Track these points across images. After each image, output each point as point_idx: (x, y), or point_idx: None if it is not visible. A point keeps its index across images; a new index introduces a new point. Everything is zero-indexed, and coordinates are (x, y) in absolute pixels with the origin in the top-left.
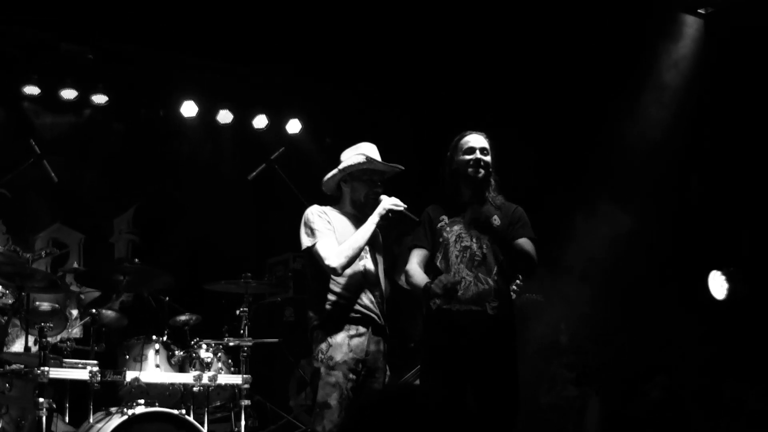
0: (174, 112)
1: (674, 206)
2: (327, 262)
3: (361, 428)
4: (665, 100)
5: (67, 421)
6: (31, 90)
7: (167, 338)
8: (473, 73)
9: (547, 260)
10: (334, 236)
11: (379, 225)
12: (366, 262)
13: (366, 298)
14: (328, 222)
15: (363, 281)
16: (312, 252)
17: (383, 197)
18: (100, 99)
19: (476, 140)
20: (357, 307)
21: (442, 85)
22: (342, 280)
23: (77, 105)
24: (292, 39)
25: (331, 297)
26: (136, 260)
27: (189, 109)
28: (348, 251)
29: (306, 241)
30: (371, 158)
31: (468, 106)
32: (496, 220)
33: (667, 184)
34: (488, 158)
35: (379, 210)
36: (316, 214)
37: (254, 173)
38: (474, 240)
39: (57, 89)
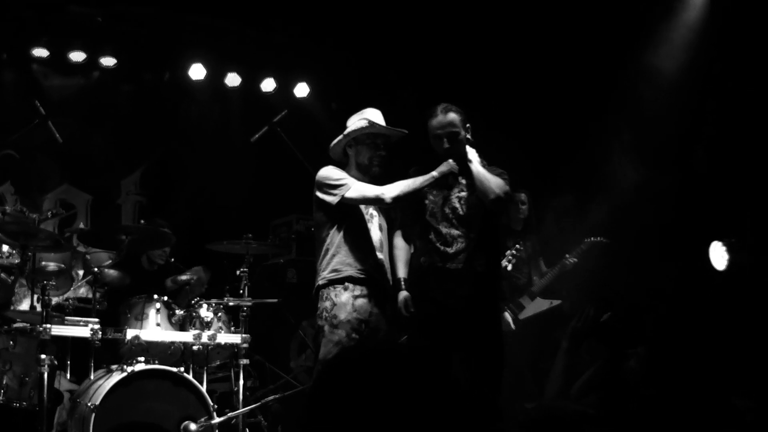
0: (182, 74)
1: (678, 177)
2: (382, 195)
3: (338, 383)
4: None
5: (69, 377)
6: (40, 52)
7: (168, 297)
8: (480, 37)
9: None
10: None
11: (437, 179)
12: (373, 227)
13: (372, 261)
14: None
15: (370, 244)
16: (346, 200)
17: (451, 161)
18: (108, 61)
19: (440, 125)
20: (363, 268)
21: (449, 53)
22: (350, 242)
23: (86, 67)
24: (304, 1)
25: (338, 258)
26: (142, 221)
27: (197, 71)
28: (404, 188)
29: (331, 198)
30: (373, 122)
31: (475, 72)
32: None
33: (672, 154)
34: (456, 133)
35: (440, 170)
36: (331, 168)
37: (256, 136)
38: (460, 201)
39: (66, 51)
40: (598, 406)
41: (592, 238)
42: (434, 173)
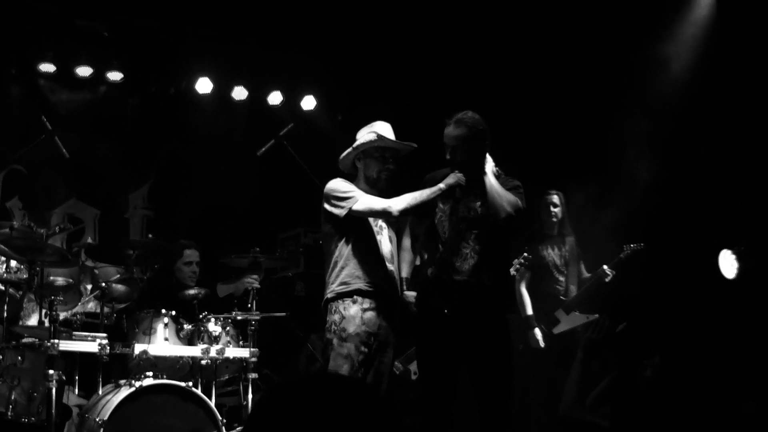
0: (189, 88)
1: (681, 183)
2: (389, 208)
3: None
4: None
5: (77, 392)
6: (47, 67)
7: (176, 312)
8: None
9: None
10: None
11: (443, 192)
12: (382, 239)
13: (381, 273)
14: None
15: (379, 257)
16: (354, 213)
17: (457, 172)
18: (115, 76)
19: (447, 138)
20: (372, 281)
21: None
22: (359, 254)
23: (92, 82)
24: (310, 14)
25: (347, 270)
26: (150, 235)
27: (204, 85)
28: (411, 200)
29: (338, 210)
30: (382, 136)
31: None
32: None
33: (675, 159)
34: (461, 148)
35: (448, 182)
36: (339, 181)
37: (263, 149)
38: (470, 213)
39: (72, 66)
40: (612, 417)
41: (632, 246)
42: (441, 185)
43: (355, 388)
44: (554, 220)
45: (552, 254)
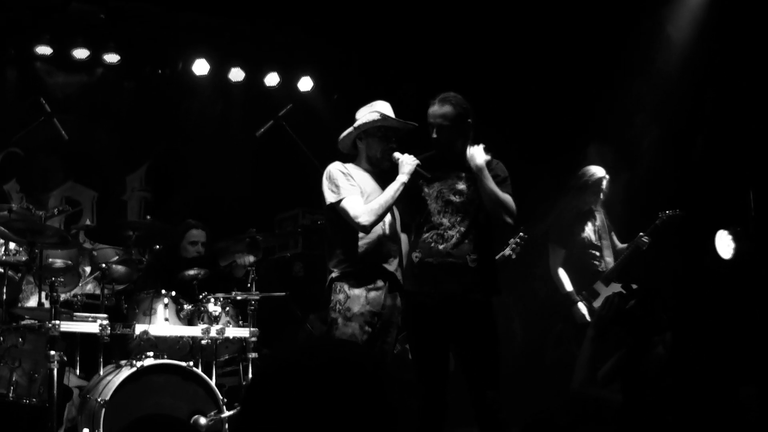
0: (186, 70)
1: (680, 164)
2: (358, 219)
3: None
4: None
5: (78, 373)
6: (43, 50)
7: (176, 292)
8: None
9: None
10: (359, 193)
11: (406, 185)
12: (386, 218)
13: (385, 253)
14: (351, 178)
15: (382, 236)
16: (337, 208)
17: (403, 158)
18: (112, 58)
19: (432, 116)
20: (376, 261)
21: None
22: (362, 234)
23: (89, 64)
24: None
25: (351, 250)
26: (148, 217)
27: (201, 67)
28: (378, 210)
29: (331, 197)
30: (385, 115)
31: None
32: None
33: (673, 141)
34: (446, 126)
35: (407, 171)
36: (339, 170)
37: (262, 130)
38: (455, 195)
39: (69, 49)
40: (623, 392)
41: (667, 212)
42: (402, 178)
43: (358, 354)
44: (600, 198)
45: (587, 230)
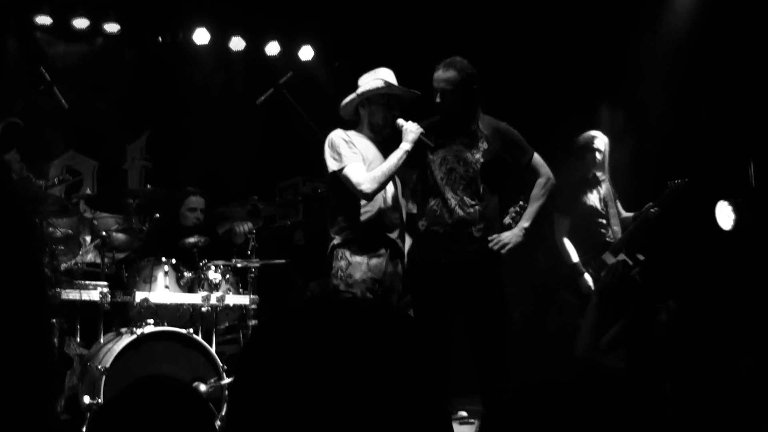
0: (186, 39)
1: (682, 137)
2: (360, 187)
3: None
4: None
5: (78, 341)
6: (44, 20)
7: (176, 260)
8: None
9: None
10: (361, 160)
11: (409, 153)
12: (388, 186)
13: (386, 220)
14: (354, 145)
15: (384, 204)
16: (339, 176)
17: (407, 125)
18: (112, 28)
19: (437, 81)
20: (377, 228)
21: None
22: (364, 202)
23: (89, 34)
24: None
25: (353, 218)
26: (149, 186)
27: (201, 36)
28: (381, 177)
29: (333, 165)
30: (389, 83)
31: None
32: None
33: (675, 114)
34: (449, 91)
35: (411, 139)
36: (341, 137)
37: (262, 98)
38: (459, 163)
39: (69, 18)
40: (627, 359)
41: (677, 181)
42: (406, 146)
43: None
44: (598, 161)
45: (591, 198)
